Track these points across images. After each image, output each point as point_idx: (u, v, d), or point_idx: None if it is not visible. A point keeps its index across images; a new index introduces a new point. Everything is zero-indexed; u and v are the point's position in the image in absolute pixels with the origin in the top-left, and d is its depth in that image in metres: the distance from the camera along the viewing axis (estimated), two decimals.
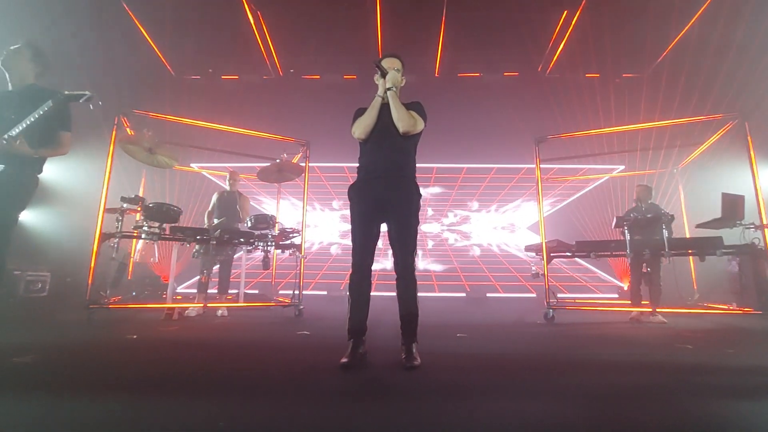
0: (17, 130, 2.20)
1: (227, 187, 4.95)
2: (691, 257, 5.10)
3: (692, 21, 5.85)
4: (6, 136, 2.18)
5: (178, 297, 5.62)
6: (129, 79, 6.72)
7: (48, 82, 2.56)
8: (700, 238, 4.04)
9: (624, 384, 1.77)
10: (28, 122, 2.21)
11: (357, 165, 2.35)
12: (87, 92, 2.37)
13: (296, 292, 4.55)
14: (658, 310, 4.15)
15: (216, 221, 4.62)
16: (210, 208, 4.86)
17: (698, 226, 4.36)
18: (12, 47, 2.41)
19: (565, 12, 5.99)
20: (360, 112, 2.35)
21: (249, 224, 4.45)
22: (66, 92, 2.34)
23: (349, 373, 1.89)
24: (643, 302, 4.41)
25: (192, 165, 7.26)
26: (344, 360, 1.95)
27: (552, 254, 4.45)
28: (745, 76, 5.93)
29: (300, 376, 1.86)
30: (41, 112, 2.21)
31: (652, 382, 1.82)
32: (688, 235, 5.77)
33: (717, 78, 6.15)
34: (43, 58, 2.51)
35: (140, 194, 5.07)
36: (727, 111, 4.62)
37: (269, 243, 4.30)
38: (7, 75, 2.42)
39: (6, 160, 2.24)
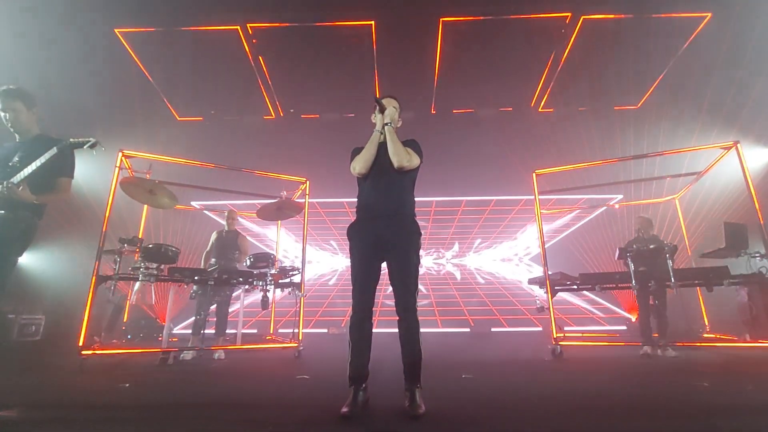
0: (19, 177, 2.22)
1: (225, 226, 4.94)
2: (698, 288, 5.01)
3: (679, 53, 6.08)
4: (8, 183, 2.19)
5: (175, 339, 5.46)
6: (133, 121, 6.91)
7: (53, 126, 2.60)
8: (706, 269, 3.96)
9: (645, 430, 1.67)
10: (31, 169, 2.23)
11: (356, 201, 2.34)
12: (91, 138, 2.40)
13: (295, 330, 4.44)
14: (669, 343, 4.03)
15: (213, 262, 4.57)
16: (209, 248, 4.82)
17: (703, 255, 4.32)
18: (5, 107, 2.39)
19: (553, 52, 6.23)
20: (357, 150, 2.37)
21: (248, 263, 4.40)
22: (71, 140, 2.37)
23: (350, 424, 1.79)
24: (654, 335, 4.29)
25: (193, 203, 7.29)
26: (345, 410, 1.86)
27: (556, 287, 4.37)
28: (736, 101, 6.10)
29: (300, 428, 1.76)
30: (44, 160, 2.23)
31: (674, 427, 1.72)
32: (693, 265, 5.69)
33: (710, 105, 6.32)
34: (33, 99, 2.51)
35: (139, 234, 5.05)
36: (721, 137, 4.68)
37: (268, 282, 4.23)
38: (16, 135, 2.47)
39: (6, 206, 2.24)
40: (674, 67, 6.37)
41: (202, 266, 4.65)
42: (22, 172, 2.23)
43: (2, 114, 2.41)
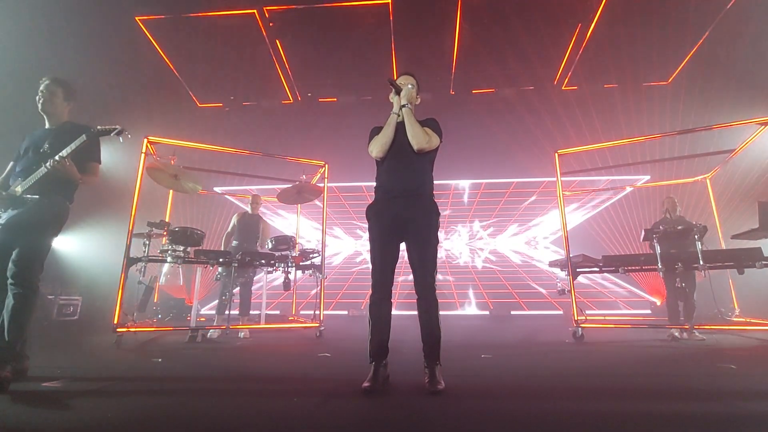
0: (64, 153, 2.28)
1: (248, 210, 5.03)
2: (728, 270, 4.83)
3: (713, 25, 5.72)
4: (57, 157, 2.26)
5: (202, 319, 5.68)
6: (156, 108, 7.05)
7: (78, 114, 2.67)
8: (737, 250, 3.81)
9: (667, 411, 1.66)
10: (66, 153, 2.30)
11: (374, 185, 2.35)
12: (117, 126, 2.47)
13: (317, 312, 4.54)
14: (696, 327, 3.93)
15: (234, 244, 4.68)
16: (229, 230, 4.91)
17: (734, 236, 4.14)
18: (44, 89, 2.49)
19: (579, 25, 5.96)
20: (376, 130, 2.36)
21: (270, 246, 4.50)
22: (98, 127, 2.45)
23: (372, 398, 1.84)
24: (681, 318, 4.19)
25: (215, 189, 7.46)
26: (366, 384, 1.91)
27: (578, 270, 4.30)
28: None
29: (323, 402, 1.83)
30: (74, 146, 2.31)
31: (698, 408, 1.70)
32: (723, 247, 5.48)
33: (745, 80, 5.96)
34: (74, 93, 2.61)
35: (166, 219, 5.22)
36: (755, 113, 4.44)
37: (290, 264, 4.32)
38: (45, 117, 2.56)
39: (39, 191, 2.34)
40: (708, 39, 6.00)
41: (222, 248, 4.77)
42: (63, 151, 2.30)
43: (38, 95, 2.49)
